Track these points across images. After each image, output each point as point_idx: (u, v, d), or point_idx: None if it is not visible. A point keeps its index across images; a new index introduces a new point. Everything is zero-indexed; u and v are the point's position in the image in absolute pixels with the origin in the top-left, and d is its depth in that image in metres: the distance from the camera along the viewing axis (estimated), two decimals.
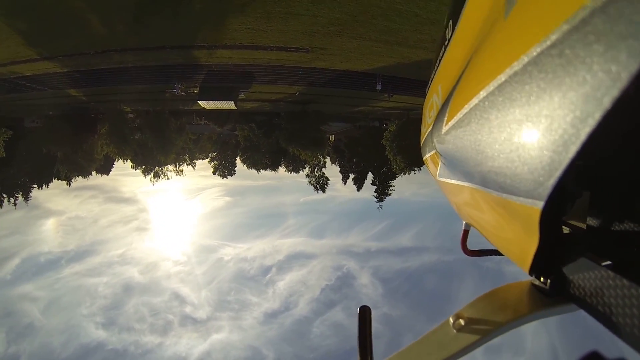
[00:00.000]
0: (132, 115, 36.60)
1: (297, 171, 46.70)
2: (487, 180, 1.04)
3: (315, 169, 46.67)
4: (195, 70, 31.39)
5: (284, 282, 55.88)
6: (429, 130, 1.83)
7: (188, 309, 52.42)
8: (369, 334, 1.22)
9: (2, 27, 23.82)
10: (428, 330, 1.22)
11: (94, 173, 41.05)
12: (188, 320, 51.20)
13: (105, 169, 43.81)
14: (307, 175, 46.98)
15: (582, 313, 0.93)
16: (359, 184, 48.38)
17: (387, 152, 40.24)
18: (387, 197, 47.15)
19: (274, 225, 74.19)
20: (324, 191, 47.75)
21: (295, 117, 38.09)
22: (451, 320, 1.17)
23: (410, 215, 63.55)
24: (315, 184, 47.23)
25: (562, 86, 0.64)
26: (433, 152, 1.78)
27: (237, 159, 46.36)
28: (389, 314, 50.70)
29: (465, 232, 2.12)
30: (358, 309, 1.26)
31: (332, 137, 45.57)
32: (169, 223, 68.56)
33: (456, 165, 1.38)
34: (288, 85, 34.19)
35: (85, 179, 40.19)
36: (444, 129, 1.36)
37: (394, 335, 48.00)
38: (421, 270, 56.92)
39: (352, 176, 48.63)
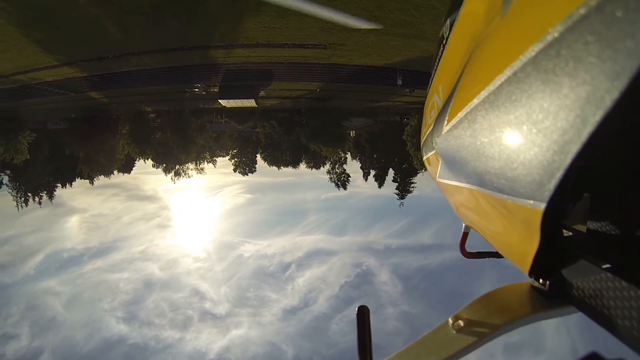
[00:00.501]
0: (153, 115, 36.93)
1: (317, 167, 46.44)
2: (488, 182, 1.03)
3: (337, 166, 46.52)
4: (213, 70, 31.44)
5: (304, 279, 55.40)
6: (429, 130, 1.84)
7: (207, 305, 51.86)
8: (368, 334, 1.22)
9: (20, 37, 24.28)
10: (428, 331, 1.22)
11: (115, 172, 41.75)
12: (207, 316, 50.65)
13: (126, 168, 44.41)
14: (328, 172, 46.82)
15: (582, 315, 0.92)
16: (380, 180, 47.85)
17: (408, 148, 39.79)
18: (409, 194, 46.70)
19: (294, 222, 74.04)
20: (345, 188, 47.58)
21: (315, 114, 37.88)
22: (450, 321, 1.17)
23: (431, 212, 62.33)
24: (336, 181, 47.09)
25: (561, 86, 0.64)
26: (433, 152, 1.79)
27: (258, 156, 46.35)
28: (409, 311, 50.05)
29: (465, 234, 2.08)
30: (357, 309, 1.28)
31: (352, 133, 45.17)
32: (190, 220, 68.95)
33: (457, 166, 1.37)
34: (307, 82, 33.90)
35: (107, 178, 40.95)
36: (445, 129, 1.36)
37: (414, 332, 47.19)
38: (441, 268, 56.04)
39: (373, 172, 48.13)
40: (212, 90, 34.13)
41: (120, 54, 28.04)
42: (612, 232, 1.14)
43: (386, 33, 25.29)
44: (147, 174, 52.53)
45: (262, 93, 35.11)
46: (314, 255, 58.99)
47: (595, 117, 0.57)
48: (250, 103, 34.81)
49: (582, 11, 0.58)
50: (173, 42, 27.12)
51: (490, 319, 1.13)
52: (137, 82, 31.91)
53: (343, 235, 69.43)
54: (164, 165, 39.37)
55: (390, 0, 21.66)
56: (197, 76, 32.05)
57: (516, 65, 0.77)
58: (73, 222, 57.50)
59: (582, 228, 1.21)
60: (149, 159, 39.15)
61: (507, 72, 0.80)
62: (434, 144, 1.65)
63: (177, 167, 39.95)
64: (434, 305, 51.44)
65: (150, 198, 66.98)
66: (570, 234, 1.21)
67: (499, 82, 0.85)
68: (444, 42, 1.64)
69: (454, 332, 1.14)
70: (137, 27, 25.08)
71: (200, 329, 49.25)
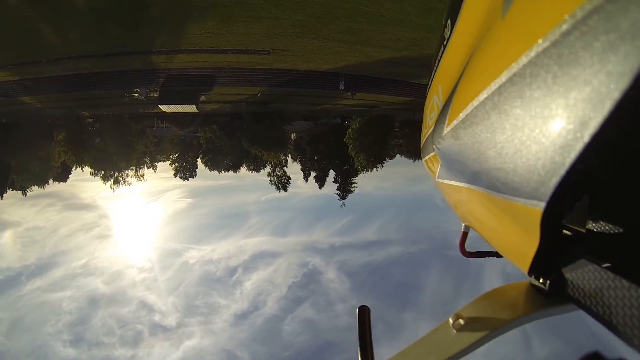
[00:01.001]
0: (90, 120, 35.45)
1: (258, 170, 46.49)
2: (488, 182, 1.05)
3: (277, 168, 46.72)
4: (154, 75, 30.99)
5: (251, 282, 55.62)
6: (429, 131, 1.83)
7: (157, 317, 50.86)
8: (369, 334, 1.22)
9: None
10: (429, 331, 1.23)
11: (51, 181, 39.45)
12: (158, 329, 49.78)
13: (62, 177, 42.12)
14: (269, 175, 46.93)
15: (582, 313, 0.93)
16: (321, 181, 48.65)
17: (349, 150, 40.46)
18: (350, 194, 47.71)
19: (237, 225, 73.60)
20: (285, 190, 47.99)
21: (256, 118, 37.95)
22: (451, 320, 1.17)
23: (373, 209, 64.38)
24: (277, 183, 47.31)
25: (562, 87, 0.64)
26: (433, 153, 1.78)
27: (199, 160, 45.71)
28: (358, 306, 51.04)
29: (464, 234, 2.10)
30: (357, 309, 1.27)
31: (293, 135, 45.47)
32: (132, 228, 66.48)
33: (457, 166, 1.39)
34: (249, 86, 34.05)
35: (42, 189, 38.59)
36: (446, 130, 1.37)
37: None
38: (387, 263, 57.78)
39: (313, 174, 48.75)
40: (152, 95, 33.36)
41: (56, 58, 26.98)
42: (612, 232, 1.20)
43: (331, 39, 25.91)
44: (84, 181, 50.33)
45: (202, 98, 34.85)
46: (259, 258, 60.36)
47: (596, 119, 0.57)
48: (191, 108, 34.32)
49: (583, 12, 0.58)
50: (113, 46, 26.57)
51: (490, 317, 1.14)
52: (74, 87, 30.64)
53: (286, 236, 72.14)
54: (103, 172, 37.74)
55: (338, 8, 22.10)
56: (137, 81, 31.46)
57: (517, 65, 0.78)
58: (6, 238, 53.99)
59: (581, 228, 1.21)
60: (87, 167, 37.27)
61: (508, 73, 0.82)
62: (434, 146, 1.66)
63: (117, 174, 38.46)
64: (383, 298, 53.72)
65: (89, 207, 63.83)
66: (570, 233, 1.19)
67: (500, 83, 0.87)
68: (445, 43, 1.64)
69: (455, 331, 1.15)
70: (75, 31, 24.40)
71: (152, 344, 48.33)
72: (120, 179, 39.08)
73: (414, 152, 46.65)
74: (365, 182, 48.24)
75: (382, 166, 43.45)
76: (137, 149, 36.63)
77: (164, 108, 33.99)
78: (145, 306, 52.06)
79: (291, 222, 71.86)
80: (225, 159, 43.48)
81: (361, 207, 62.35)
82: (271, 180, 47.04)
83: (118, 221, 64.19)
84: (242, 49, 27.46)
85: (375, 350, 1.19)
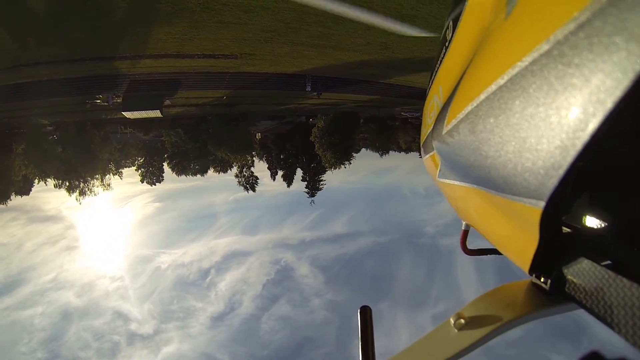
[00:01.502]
0: (50, 128, 34.02)
1: (225, 171, 46.25)
2: (488, 181, 1.06)
3: (244, 169, 46.57)
4: (117, 81, 29.97)
5: (225, 283, 55.03)
6: (429, 131, 1.84)
7: (133, 326, 49.14)
8: (370, 334, 1.23)
9: None
10: (429, 331, 1.24)
11: (12, 195, 37.33)
12: (135, 338, 48.15)
13: (25, 190, 39.89)
14: (237, 176, 46.83)
15: (583, 312, 0.94)
16: (289, 180, 48.91)
17: (316, 149, 40.58)
18: (319, 192, 48.15)
19: (206, 226, 72.65)
20: (254, 190, 47.98)
21: (222, 121, 37.65)
22: (452, 320, 1.18)
23: (341, 203, 65.00)
24: (245, 184, 47.26)
25: (564, 87, 0.66)
26: (433, 152, 1.80)
27: (165, 164, 44.76)
28: (334, 300, 51.75)
29: (465, 232, 2.11)
30: (358, 310, 1.27)
31: (258, 135, 45.22)
32: (100, 237, 63.86)
33: (457, 166, 1.40)
34: (215, 89, 33.69)
35: (4, 205, 36.43)
36: (445, 129, 1.37)
37: (342, 320, 49.37)
38: (359, 254, 58.53)
39: (280, 173, 48.94)
40: (115, 100, 32.24)
41: (12, 66, 25.51)
42: (612, 230, 1.20)
43: (300, 44, 25.81)
44: (47, 191, 47.56)
45: (167, 102, 34.07)
46: (231, 258, 59.52)
47: (597, 118, 0.58)
48: (155, 114, 33.50)
49: (588, 13, 0.60)
50: (73, 52, 25.44)
51: (491, 316, 1.14)
52: (31, 95, 29.24)
53: (256, 234, 71.91)
54: (67, 184, 36.29)
55: (309, 14, 21.96)
56: (99, 87, 30.41)
57: (519, 66, 0.79)
58: None
59: (581, 226, 1.24)
60: (50, 179, 35.66)
61: (510, 73, 0.83)
62: (433, 145, 1.66)
63: (82, 185, 37.05)
64: (358, 290, 54.36)
65: (54, 218, 60.68)
66: (570, 231, 1.21)
67: (501, 83, 0.87)
68: (447, 44, 1.65)
69: (456, 330, 1.15)
70: (32, 37, 23.15)
71: (129, 354, 47.19)
72: (86, 189, 37.78)
73: (379, 147, 47.41)
74: (332, 177, 48.77)
75: (350, 162, 43.89)
76: (101, 157, 35.60)
77: (127, 115, 33.02)
78: (120, 316, 50.66)
79: (260, 220, 71.66)
80: (192, 163, 42.74)
81: (329, 201, 63.03)
82: (239, 182, 47.01)
83: (85, 231, 61.65)
84: (209, 54, 26.96)
85: (375, 351, 1.20)
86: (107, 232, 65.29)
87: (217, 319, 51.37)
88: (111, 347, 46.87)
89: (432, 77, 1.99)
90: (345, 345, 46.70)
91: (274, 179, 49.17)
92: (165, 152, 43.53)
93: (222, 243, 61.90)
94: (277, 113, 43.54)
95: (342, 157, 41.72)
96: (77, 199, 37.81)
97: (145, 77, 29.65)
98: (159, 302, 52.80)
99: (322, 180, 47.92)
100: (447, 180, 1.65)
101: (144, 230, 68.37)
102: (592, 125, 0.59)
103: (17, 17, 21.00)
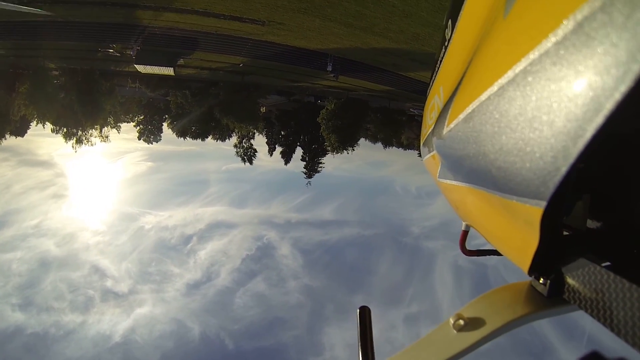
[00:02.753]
0: (56, 73, 32.49)
1: (223, 140, 45.79)
2: (489, 181, 1.05)
3: (244, 140, 46.04)
4: (135, 31, 28.72)
5: (205, 252, 54.51)
6: (429, 131, 1.87)
7: (109, 283, 47.97)
8: (369, 334, 1.23)
9: None
10: (429, 331, 1.25)
11: (7, 135, 36.10)
12: (110, 295, 47.14)
13: (20, 131, 38.75)
14: (235, 146, 46.30)
15: (582, 313, 0.93)
16: (287, 157, 48.66)
17: (321, 130, 40.30)
18: (317, 174, 48.10)
19: (195, 192, 71.91)
20: (251, 162, 47.62)
21: (233, 89, 36.72)
22: (451, 320, 1.18)
23: (332, 189, 65.28)
24: (242, 155, 46.75)
25: (564, 87, 0.64)
26: (433, 153, 1.81)
27: (165, 124, 44.03)
28: (310, 284, 52.17)
29: (464, 233, 2.08)
30: (358, 310, 1.28)
31: (263, 108, 44.57)
32: (89, 189, 62.95)
33: (457, 166, 1.40)
34: (233, 55, 32.61)
35: None
36: (445, 130, 1.37)
37: (316, 306, 49.64)
38: (342, 243, 58.99)
39: (279, 149, 48.64)
40: (128, 52, 31.18)
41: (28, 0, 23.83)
42: (612, 231, 1.20)
43: (333, 20, 25.13)
44: (41, 136, 47.24)
45: (180, 61, 33.02)
46: (215, 227, 58.40)
47: (597, 119, 0.57)
48: (168, 71, 32.67)
49: (586, 12, 0.58)
50: None
51: (491, 317, 1.15)
52: (43, 35, 27.65)
53: (244, 208, 70.54)
54: (65, 130, 34.95)
55: None
56: (116, 36, 29.07)
57: (518, 66, 0.77)
58: None
59: (581, 227, 1.23)
60: (49, 123, 34.21)
61: (510, 74, 0.81)
62: (434, 145, 1.68)
63: (80, 133, 35.73)
64: (335, 278, 54.12)
65: (45, 164, 59.54)
66: (570, 232, 1.21)
67: (501, 84, 0.86)
68: (446, 44, 1.63)
69: (455, 331, 1.16)
70: None
71: (102, 310, 45.99)
72: (84, 138, 36.56)
73: (383, 139, 47.39)
74: (329, 162, 48.74)
75: (353, 149, 43.72)
76: (104, 108, 34.28)
77: (139, 68, 31.98)
78: (98, 271, 49.56)
79: (250, 193, 71.61)
80: (193, 126, 41.82)
81: (321, 186, 62.93)
82: (237, 152, 46.44)
83: (75, 181, 60.90)
84: (236, 16, 26.00)
85: (375, 350, 1.21)
86: (97, 184, 64.56)
87: (193, 287, 50.87)
88: (85, 301, 46.06)
89: (433, 78, 2.01)
90: (315, 331, 46.79)
91: (271, 155, 48.98)
92: (167, 112, 42.72)
93: (209, 212, 61.61)
94: (288, 89, 42.95)
95: (346, 142, 41.32)
96: (73, 147, 36.72)
97: (164, 32, 28.49)
98: (137, 262, 52.13)
99: (321, 163, 47.90)
100: (447, 181, 1.67)
101: (133, 187, 67.92)
102: (593, 125, 0.58)
103: None
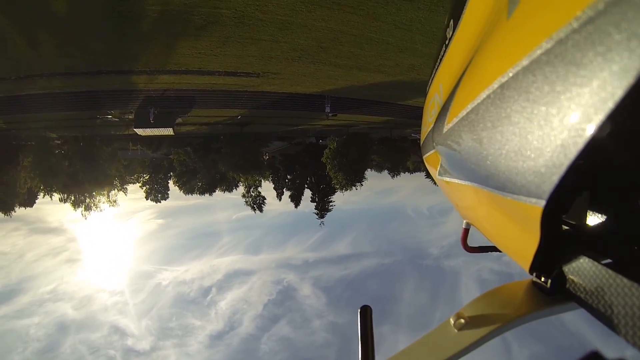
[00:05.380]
0: (58, 142, 32.77)
1: (231, 190, 46.10)
2: (489, 180, 1.05)
3: (251, 189, 46.17)
4: (131, 96, 28.97)
5: (226, 302, 54.86)
6: (429, 129, 1.86)
7: (130, 342, 49.41)
8: (370, 334, 1.21)
9: None
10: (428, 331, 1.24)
11: (16, 208, 35.87)
12: (131, 354, 48.23)
13: (29, 202, 38.90)
14: (243, 196, 46.41)
15: (583, 312, 0.93)
16: (296, 201, 49.00)
17: (327, 170, 40.15)
18: (328, 213, 47.89)
19: (209, 244, 72.70)
20: (261, 210, 47.64)
21: (234, 141, 36.75)
22: (452, 319, 1.17)
23: (345, 223, 65.21)
24: (252, 204, 46.80)
25: (565, 86, 0.65)
26: (433, 151, 1.80)
27: (170, 182, 44.28)
28: (335, 321, 51.54)
29: (465, 231, 2.10)
30: (359, 309, 1.26)
31: (266, 156, 44.60)
32: (101, 251, 63.50)
33: (457, 164, 1.39)
34: (231, 109, 32.84)
35: (7, 216, 34.86)
36: (446, 127, 1.37)
37: (344, 343, 48.68)
38: (362, 275, 58.51)
39: (288, 193, 49.06)
40: (126, 117, 31.41)
41: (25, 75, 24.33)
42: (612, 229, 1.17)
43: (328, 64, 25.45)
44: (50, 203, 47.92)
45: (178, 119, 33.05)
46: (233, 277, 60.85)
47: (597, 117, 0.58)
48: (168, 132, 32.53)
49: (590, 13, 0.59)
50: (92, 64, 24.29)
51: (492, 316, 1.13)
52: (42, 107, 27.99)
53: (259, 254, 74.75)
54: (72, 199, 35.05)
55: (346, 34, 21.49)
56: (113, 102, 29.37)
57: (520, 65, 0.78)
58: None
59: (582, 225, 1.20)
60: (56, 193, 34.29)
61: (511, 72, 0.82)
62: (434, 143, 1.67)
63: (88, 200, 35.85)
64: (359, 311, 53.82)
65: (56, 230, 61.33)
66: (570, 230, 1.18)
67: (502, 82, 0.86)
68: (447, 42, 1.63)
69: (456, 330, 1.14)
70: (51, 44, 21.76)
71: None
72: (92, 204, 36.67)
73: (389, 168, 47.15)
74: (337, 198, 48.22)
75: (362, 184, 43.42)
76: (109, 174, 34.43)
77: (139, 132, 31.93)
78: (118, 330, 50.64)
79: (263, 239, 72.12)
80: (199, 182, 41.64)
81: (333, 222, 62.97)
82: (246, 202, 46.59)
83: (87, 244, 61.99)
84: (231, 72, 26.14)
85: (375, 350, 1.19)
86: (109, 246, 66.64)
87: (216, 338, 51.64)
88: None
89: (433, 75, 2.00)
90: None
91: (280, 199, 49.49)
92: (171, 170, 43.01)
93: (224, 262, 62.20)
94: (288, 134, 43.18)
95: (354, 178, 41.00)
96: (82, 214, 36.69)
97: (160, 94, 28.72)
98: (157, 318, 52.60)
99: (331, 201, 47.83)
100: (447, 179, 1.67)
101: (145, 246, 68.81)
102: (593, 124, 0.60)
103: (37, 22, 19.80)
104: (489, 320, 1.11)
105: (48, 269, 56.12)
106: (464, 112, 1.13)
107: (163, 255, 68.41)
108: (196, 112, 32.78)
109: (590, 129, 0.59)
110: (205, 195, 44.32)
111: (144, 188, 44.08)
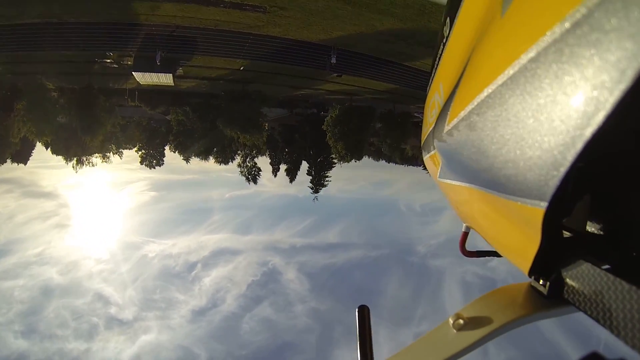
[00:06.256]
0: (55, 94, 31.45)
1: (226, 163, 45.10)
2: (490, 182, 1.06)
3: (247, 159, 45.57)
4: (130, 33, 27.87)
5: (210, 279, 55.01)
6: (430, 129, 1.86)
7: (113, 310, 48.15)
8: (368, 333, 1.25)
9: None
10: (428, 331, 1.26)
11: (9, 161, 35.02)
12: (114, 322, 47.11)
13: (22, 157, 37.82)
14: (239, 165, 45.72)
15: (582, 315, 0.92)
16: (292, 175, 48.46)
17: (327, 138, 39.58)
18: (323, 189, 47.73)
19: (199, 220, 73.04)
20: (255, 182, 47.03)
21: (235, 98, 35.93)
22: (451, 320, 1.18)
23: (336, 212, 65.70)
24: (247, 174, 46.20)
25: (563, 85, 0.64)
26: (434, 152, 1.79)
27: (166, 148, 43.56)
28: (317, 307, 51.44)
29: (465, 234, 2.03)
30: (357, 309, 1.29)
31: (266, 125, 43.92)
32: (92, 219, 64.21)
33: (458, 166, 1.39)
34: (232, 58, 32.05)
35: None
36: (446, 128, 1.37)
37: (325, 329, 50.21)
38: (348, 266, 58.84)
39: (284, 167, 48.66)
40: (126, 62, 30.65)
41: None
42: (613, 233, 1.15)
43: None
44: (46, 168, 48.80)
45: (180, 71, 32.48)
46: (219, 254, 59.40)
47: (597, 117, 0.57)
48: (167, 79, 31.76)
49: (584, 10, 0.58)
50: None
51: (490, 318, 1.13)
52: (40, 43, 26.92)
53: (248, 234, 72.33)
54: (65, 151, 34.19)
55: None
56: (111, 38, 28.30)
57: (517, 64, 0.78)
58: None
59: (582, 229, 1.18)
60: (48, 142, 33.44)
61: (508, 72, 0.82)
62: (434, 144, 1.68)
63: (80, 152, 34.86)
64: (342, 301, 53.90)
65: (49, 195, 62.31)
66: (570, 234, 1.13)
67: (500, 82, 0.86)
68: (444, 41, 1.63)
69: (455, 331, 1.15)
70: None
71: (107, 337, 45.67)
72: (84, 159, 35.80)
73: (386, 155, 46.72)
74: (333, 182, 49.49)
75: (359, 159, 42.84)
76: (105, 124, 33.29)
77: (137, 76, 30.95)
78: (102, 298, 49.88)
79: (253, 220, 73.17)
80: (196, 143, 40.92)
81: (325, 209, 65.13)
82: (241, 172, 45.79)
83: (78, 211, 62.06)
84: (237, 2, 25.28)
85: (375, 350, 1.22)
86: (100, 215, 66.57)
87: (199, 314, 51.41)
88: (89, 328, 45.73)
89: (433, 74, 2.00)
90: (324, 354, 47.54)
91: (275, 176, 49.05)
92: (168, 135, 42.24)
93: (213, 239, 62.77)
94: (290, 100, 42.83)
95: (354, 150, 40.30)
96: (73, 167, 35.85)
97: (161, 31, 27.76)
98: (141, 289, 52.83)
99: (328, 177, 47.37)
100: (447, 180, 1.67)
101: (136, 217, 70.61)
102: (593, 124, 0.59)
103: None
104: (488, 321, 1.11)
105: (37, 232, 56.51)
106: (464, 112, 1.12)
107: (152, 228, 68.95)
108: (198, 61, 32.01)
109: (590, 129, 0.58)
110: (199, 158, 43.40)
111: (140, 152, 43.30)
